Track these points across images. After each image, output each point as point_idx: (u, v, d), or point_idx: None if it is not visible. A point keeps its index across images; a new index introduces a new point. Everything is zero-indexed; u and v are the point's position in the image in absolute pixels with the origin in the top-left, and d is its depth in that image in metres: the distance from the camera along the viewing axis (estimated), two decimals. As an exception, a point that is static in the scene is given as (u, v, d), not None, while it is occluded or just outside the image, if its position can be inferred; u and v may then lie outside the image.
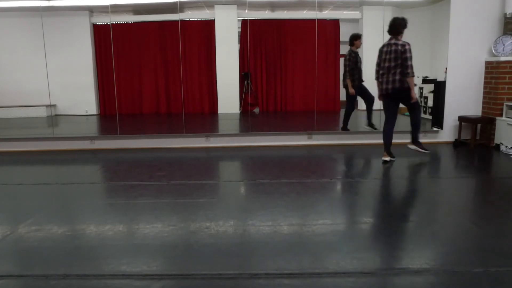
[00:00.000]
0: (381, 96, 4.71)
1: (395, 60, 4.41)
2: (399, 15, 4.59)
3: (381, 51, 4.59)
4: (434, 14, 6.35)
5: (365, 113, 6.98)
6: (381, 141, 5.72)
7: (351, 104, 5.91)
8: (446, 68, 5.77)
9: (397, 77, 4.43)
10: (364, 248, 2.43)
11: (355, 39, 5.76)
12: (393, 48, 4.42)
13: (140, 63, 7.66)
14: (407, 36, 4.90)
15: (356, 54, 5.80)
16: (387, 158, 4.77)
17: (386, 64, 4.49)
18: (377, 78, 4.67)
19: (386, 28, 4.56)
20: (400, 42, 4.42)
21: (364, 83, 5.87)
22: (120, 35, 7.18)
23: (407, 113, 5.32)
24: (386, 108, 4.75)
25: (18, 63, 6.97)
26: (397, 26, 4.46)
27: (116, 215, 3.11)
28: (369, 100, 5.84)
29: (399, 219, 3.01)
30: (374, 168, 4.74)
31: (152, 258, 2.35)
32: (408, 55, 4.33)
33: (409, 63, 4.34)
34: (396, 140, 5.74)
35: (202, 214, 3.03)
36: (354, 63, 5.80)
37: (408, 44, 4.37)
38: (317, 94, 6.46)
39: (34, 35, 6.06)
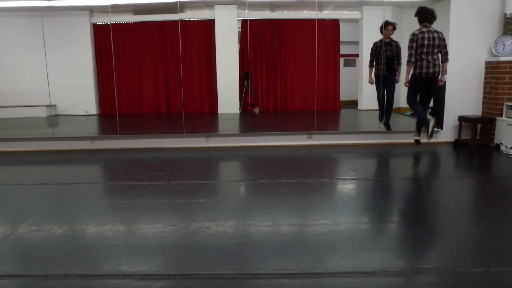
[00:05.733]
0: (408, 81, 4.89)
1: (438, 46, 4.72)
2: (399, 15, 4.65)
3: (422, 37, 4.71)
4: (434, 14, 6.35)
5: (365, 113, 6.99)
6: (381, 141, 5.74)
7: (378, 94, 5.93)
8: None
9: (437, 62, 4.76)
10: (364, 248, 2.43)
11: (383, 27, 5.70)
12: (435, 35, 4.71)
13: (140, 63, 7.66)
14: (407, 35, 4.92)
15: (385, 43, 5.72)
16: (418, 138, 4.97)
17: (430, 50, 4.71)
18: (412, 63, 4.80)
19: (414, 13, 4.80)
20: (438, 30, 4.74)
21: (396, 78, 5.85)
22: (120, 35, 7.18)
23: (408, 113, 5.33)
24: (417, 91, 4.92)
25: (18, 63, 6.97)
26: (433, 15, 4.72)
27: (116, 215, 3.11)
28: (389, 99, 5.85)
29: (399, 219, 3.01)
30: (375, 168, 4.74)
31: (152, 258, 2.35)
32: (445, 42, 4.77)
33: (447, 49, 4.79)
34: (396, 140, 5.76)
35: (202, 214, 3.03)
36: (378, 52, 5.79)
37: None
38: (317, 94, 6.46)
39: (34, 35, 6.05)
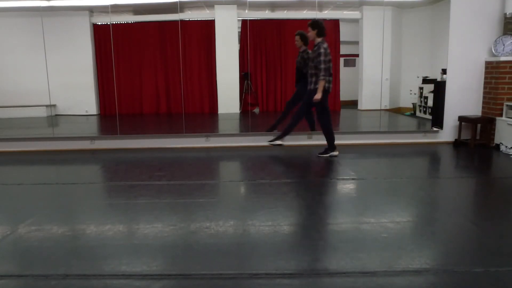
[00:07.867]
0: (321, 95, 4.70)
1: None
2: (399, 15, 4.62)
3: (330, 52, 4.61)
4: (434, 14, 6.35)
5: (365, 113, 6.98)
6: (381, 141, 5.74)
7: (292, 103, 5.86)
8: (443, 70, 5.77)
9: None
10: (364, 248, 2.43)
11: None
12: (328, 50, 4.60)
13: (140, 63, 7.65)
14: (407, 35, 4.93)
15: (300, 53, 5.63)
16: (336, 153, 4.94)
17: (331, 64, 4.65)
18: (330, 76, 4.67)
19: (315, 30, 4.68)
20: None
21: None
22: (120, 35, 7.18)
23: (408, 113, 5.34)
24: (326, 105, 4.83)
25: (18, 63, 6.97)
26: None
27: (116, 215, 3.11)
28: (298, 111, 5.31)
29: (399, 219, 3.00)
30: (375, 168, 4.74)
31: (152, 258, 2.35)
32: None
33: None
34: (396, 140, 5.76)
35: (202, 214, 3.03)
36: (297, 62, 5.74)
37: None
38: (317, 94, 6.44)
39: (34, 35, 6.05)
